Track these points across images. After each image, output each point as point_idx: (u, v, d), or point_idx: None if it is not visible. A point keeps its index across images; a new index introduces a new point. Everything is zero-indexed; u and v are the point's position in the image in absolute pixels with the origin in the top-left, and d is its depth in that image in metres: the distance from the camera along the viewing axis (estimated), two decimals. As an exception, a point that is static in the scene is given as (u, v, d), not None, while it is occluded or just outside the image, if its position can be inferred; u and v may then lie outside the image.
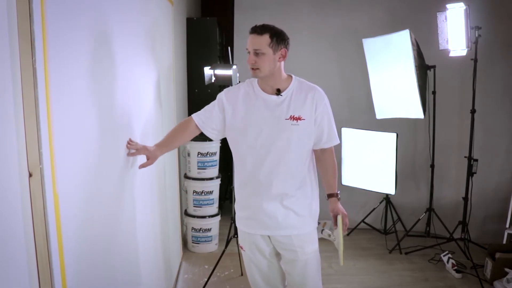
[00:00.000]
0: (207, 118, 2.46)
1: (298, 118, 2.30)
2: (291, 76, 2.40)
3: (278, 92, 2.33)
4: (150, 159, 2.39)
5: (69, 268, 1.44)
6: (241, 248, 2.55)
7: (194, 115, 2.51)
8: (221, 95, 2.46)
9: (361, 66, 4.72)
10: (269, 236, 2.45)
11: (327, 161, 2.46)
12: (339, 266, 4.08)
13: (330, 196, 2.46)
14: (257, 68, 2.26)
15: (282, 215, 2.38)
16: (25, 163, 1.23)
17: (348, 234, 4.92)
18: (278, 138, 2.32)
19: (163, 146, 2.47)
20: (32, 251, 1.27)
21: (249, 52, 2.27)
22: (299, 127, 2.31)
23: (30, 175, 1.25)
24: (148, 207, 2.69)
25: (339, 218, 2.38)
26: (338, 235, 2.37)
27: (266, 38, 2.23)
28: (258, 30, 2.25)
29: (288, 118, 2.31)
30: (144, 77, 2.66)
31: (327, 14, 4.95)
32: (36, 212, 1.27)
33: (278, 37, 2.27)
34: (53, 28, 1.36)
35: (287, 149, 2.33)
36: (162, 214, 3.15)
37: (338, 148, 4.83)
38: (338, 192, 2.46)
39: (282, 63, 2.35)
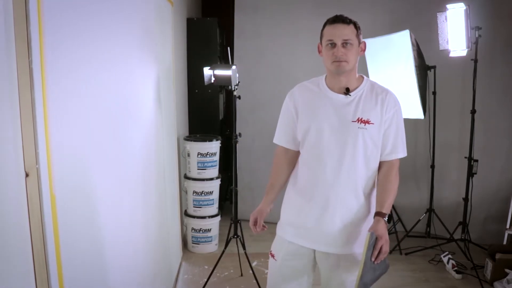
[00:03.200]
0: (288, 134, 2.25)
1: (367, 122, 2.06)
2: (363, 77, 2.18)
3: (347, 91, 2.10)
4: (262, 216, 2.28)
5: (66, 269, 1.44)
6: (272, 256, 2.27)
7: (276, 141, 2.31)
8: (287, 100, 2.27)
9: (361, 66, 4.70)
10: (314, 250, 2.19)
11: (388, 175, 2.15)
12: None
13: (377, 214, 2.06)
14: (345, 61, 2.04)
15: (338, 231, 2.10)
16: (21, 163, 1.23)
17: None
18: (343, 141, 2.08)
19: (273, 195, 2.33)
20: (29, 252, 1.27)
21: (332, 44, 2.06)
22: (367, 132, 2.07)
23: (27, 175, 1.25)
24: (147, 208, 2.68)
25: (368, 235, 1.97)
26: (362, 254, 1.98)
27: (352, 28, 2.06)
28: (346, 19, 2.08)
29: (355, 120, 2.07)
30: (143, 78, 2.66)
31: (327, 15, 4.91)
32: (33, 212, 1.27)
33: (359, 29, 2.10)
34: (50, 29, 1.36)
35: (353, 154, 2.08)
36: (161, 214, 3.15)
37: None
38: (387, 215, 2.07)
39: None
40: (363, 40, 2.13)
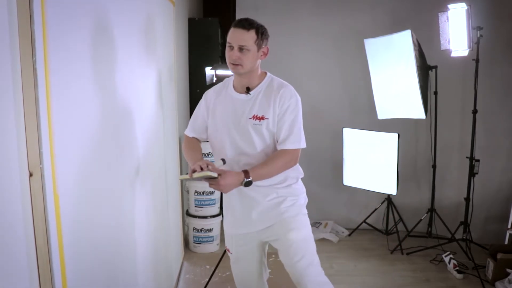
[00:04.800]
0: (200, 129, 2.47)
1: (261, 118, 2.24)
2: (266, 74, 2.35)
3: (247, 90, 2.28)
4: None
5: (69, 268, 1.45)
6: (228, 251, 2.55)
7: (188, 133, 2.54)
8: (202, 100, 2.46)
9: (363, 67, 4.72)
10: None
11: (274, 156, 2.26)
12: (340, 267, 4.09)
13: (243, 171, 2.18)
14: (240, 64, 2.19)
15: (257, 213, 2.34)
16: (25, 162, 1.24)
17: (349, 235, 4.92)
18: (241, 139, 2.27)
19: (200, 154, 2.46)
20: (33, 251, 1.27)
21: (231, 47, 2.19)
22: (261, 127, 2.25)
23: (31, 174, 1.26)
24: (149, 207, 2.69)
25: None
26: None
27: (252, 34, 2.17)
28: (246, 25, 2.17)
29: (251, 117, 2.25)
30: (145, 78, 2.67)
31: (328, 14, 4.95)
32: (37, 211, 1.28)
33: (263, 34, 2.22)
34: (54, 29, 1.36)
35: (253, 149, 2.27)
36: (163, 214, 3.16)
37: (339, 148, 4.86)
38: (248, 179, 2.16)
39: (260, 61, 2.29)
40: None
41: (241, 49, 2.16)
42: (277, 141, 2.29)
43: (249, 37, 2.16)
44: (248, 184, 2.16)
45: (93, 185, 1.73)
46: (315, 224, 5.01)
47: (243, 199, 2.35)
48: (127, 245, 2.23)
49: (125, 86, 2.20)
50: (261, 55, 2.25)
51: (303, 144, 2.31)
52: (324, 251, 4.36)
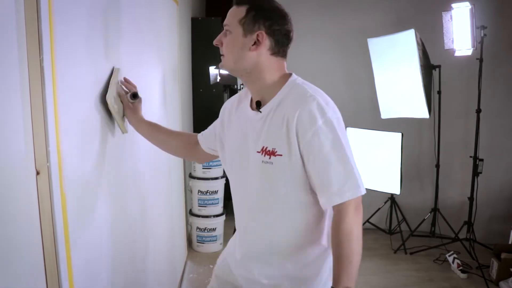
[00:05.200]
0: (209, 138, 1.84)
1: (272, 153, 1.47)
2: (289, 77, 1.55)
3: (258, 106, 1.53)
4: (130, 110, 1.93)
5: (76, 266, 1.44)
6: None
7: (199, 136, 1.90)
8: (221, 110, 1.82)
9: (366, 66, 4.71)
10: None
11: (336, 232, 1.45)
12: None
13: None
14: (222, 54, 1.52)
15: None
16: (32, 161, 1.24)
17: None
18: (245, 180, 1.59)
19: (147, 123, 1.96)
20: (39, 250, 1.27)
21: None
22: (273, 168, 1.48)
23: (38, 173, 1.25)
24: (153, 207, 2.69)
25: None
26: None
27: (241, 10, 1.47)
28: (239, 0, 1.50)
29: (259, 150, 1.50)
30: (149, 77, 2.67)
31: (332, 14, 4.95)
32: (44, 211, 1.27)
33: (258, 14, 1.46)
34: (61, 28, 1.36)
35: (261, 199, 1.56)
36: (167, 214, 3.16)
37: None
38: None
39: (267, 56, 1.49)
40: (272, 28, 1.47)
41: (225, 32, 1.51)
42: (319, 196, 1.49)
43: (235, 13, 1.48)
44: None
45: (99, 184, 1.73)
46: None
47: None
48: (133, 245, 2.23)
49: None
50: (252, 44, 1.46)
51: (362, 189, 1.45)
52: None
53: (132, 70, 2.26)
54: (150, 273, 2.55)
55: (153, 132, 1.97)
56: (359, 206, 1.46)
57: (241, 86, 3.37)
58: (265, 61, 1.50)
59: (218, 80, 3.29)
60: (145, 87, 2.58)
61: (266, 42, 1.48)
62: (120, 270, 2.00)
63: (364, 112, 4.96)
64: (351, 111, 4.99)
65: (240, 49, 1.47)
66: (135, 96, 1.93)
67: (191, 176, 4.27)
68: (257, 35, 1.46)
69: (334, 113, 1.50)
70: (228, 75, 3.30)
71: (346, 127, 4.66)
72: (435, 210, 4.64)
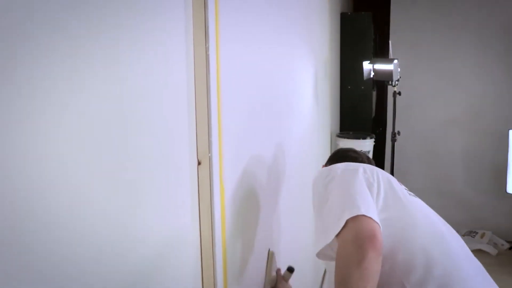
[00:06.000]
0: None
1: None
2: None
3: None
4: None
5: (229, 259, 1.44)
6: None
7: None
8: None
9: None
10: None
11: None
12: (501, 283, 3.67)
13: None
14: None
15: None
16: (194, 151, 1.23)
17: (510, 248, 4.45)
18: None
19: None
20: (197, 240, 1.27)
21: None
22: None
23: (199, 163, 1.25)
24: (296, 208, 2.64)
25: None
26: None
27: None
28: None
29: None
30: (303, 73, 2.62)
31: (495, 5, 4.52)
32: (203, 200, 1.27)
33: None
34: (224, 17, 1.35)
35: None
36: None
37: (503, 152, 4.38)
38: None
39: None
40: None
41: None
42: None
43: None
44: None
45: (252, 183, 1.72)
46: (470, 234, 4.63)
47: None
48: (276, 246, 2.20)
49: (285, 78, 2.18)
50: None
51: (355, 211, 1.18)
52: (481, 263, 3.99)
53: (288, 67, 2.24)
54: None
55: None
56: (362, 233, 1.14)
57: (396, 82, 3.19)
58: None
59: (371, 76, 3.14)
60: (299, 82, 2.53)
61: None
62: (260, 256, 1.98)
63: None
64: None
65: None
66: (290, 270, 1.93)
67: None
68: None
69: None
70: (383, 70, 3.14)
71: (508, 130, 4.26)
72: None
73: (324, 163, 1.80)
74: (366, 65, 3.18)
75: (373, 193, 1.31)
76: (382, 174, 1.40)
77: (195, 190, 1.25)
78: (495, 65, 4.58)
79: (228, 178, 1.41)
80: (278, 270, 1.96)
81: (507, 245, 4.50)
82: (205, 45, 1.22)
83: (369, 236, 1.11)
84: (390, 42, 3.42)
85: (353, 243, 1.12)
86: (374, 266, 1.09)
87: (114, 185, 0.87)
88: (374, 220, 1.16)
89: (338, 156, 1.80)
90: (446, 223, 1.43)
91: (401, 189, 1.40)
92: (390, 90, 3.61)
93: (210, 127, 1.24)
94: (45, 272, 0.70)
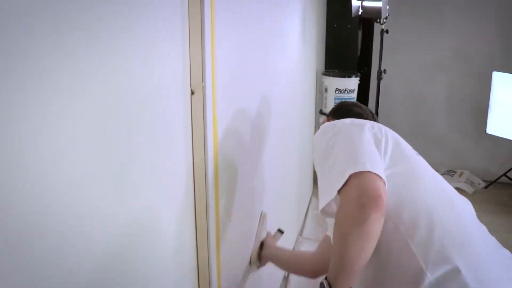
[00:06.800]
0: None
1: None
2: None
3: None
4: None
5: (221, 184, 1.47)
6: None
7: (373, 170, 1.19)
8: None
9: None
10: None
11: None
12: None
13: None
14: None
15: None
16: (188, 80, 1.24)
17: (486, 187, 4.61)
18: None
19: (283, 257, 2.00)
20: (190, 167, 1.30)
21: None
22: None
23: (193, 93, 1.26)
24: (286, 148, 2.68)
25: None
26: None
27: None
28: None
29: None
30: (292, 9, 2.59)
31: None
32: (196, 131, 1.29)
33: None
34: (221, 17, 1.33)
35: None
36: (299, 153, 3.15)
37: (486, 94, 4.44)
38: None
39: None
40: None
41: None
42: None
43: None
44: None
45: (244, 118, 1.74)
46: (449, 172, 4.76)
47: None
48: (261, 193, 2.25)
49: (275, 19, 2.16)
50: None
51: (360, 167, 1.16)
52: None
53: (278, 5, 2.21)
54: (279, 209, 2.58)
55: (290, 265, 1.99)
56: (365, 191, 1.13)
57: (384, 20, 3.16)
58: None
59: (359, 13, 3.11)
60: (288, 21, 2.51)
61: None
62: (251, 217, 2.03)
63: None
64: (499, 54, 4.55)
65: None
66: (281, 231, 2.09)
67: (322, 113, 4.15)
68: None
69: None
70: (372, 7, 3.11)
71: (491, 71, 4.29)
72: None
73: (325, 118, 1.77)
74: (355, 2, 3.14)
75: (381, 149, 1.29)
76: (389, 131, 1.38)
77: (188, 119, 1.26)
78: (479, 7, 4.55)
79: (222, 110, 1.42)
80: (269, 233, 2.05)
81: (483, 184, 4.65)
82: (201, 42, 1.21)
83: (374, 195, 1.10)
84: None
85: (356, 201, 1.11)
86: (375, 227, 1.10)
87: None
88: (380, 177, 1.14)
89: (342, 111, 1.73)
90: (450, 186, 1.41)
91: (408, 147, 1.39)
92: (377, 29, 3.58)
93: (204, 58, 1.25)
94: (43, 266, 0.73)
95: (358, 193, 1.12)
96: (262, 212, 2.05)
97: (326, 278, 1.17)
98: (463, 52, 4.62)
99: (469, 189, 4.49)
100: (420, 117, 4.90)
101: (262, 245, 2.00)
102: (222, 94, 1.43)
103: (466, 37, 4.62)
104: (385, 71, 3.39)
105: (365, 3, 3.12)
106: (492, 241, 1.31)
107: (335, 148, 1.26)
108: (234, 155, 1.65)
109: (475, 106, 4.71)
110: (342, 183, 1.14)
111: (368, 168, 1.14)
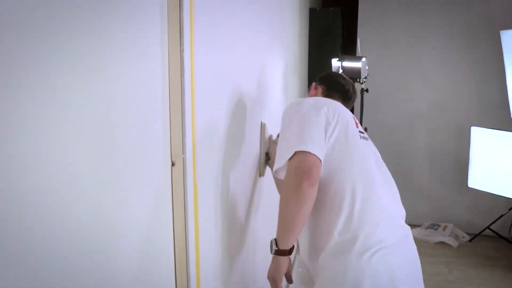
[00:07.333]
0: None
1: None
2: None
3: None
4: None
5: (202, 253, 1.46)
6: None
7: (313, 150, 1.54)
8: None
9: (497, 60, 4.36)
10: None
11: None
12: (460, 274, 3.82)
13: None
14: None
15: None
16: (169, 152, 1.25)
17: (470, 240, 4.61)
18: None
19: None
20: (170, 236, 1.29)
21: None
22: None
23: (173, 164, 1.27)
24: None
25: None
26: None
27: None
28: None
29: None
30: (274, 65, 2.65)
31: (459, 4, 4.63)
32: (177, 200, 1.29)
33: None
34: (199, 29, 1.36)
35: None
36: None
37: (465, 148, 4.53)
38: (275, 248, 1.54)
39: None
40: None
41: None
42: None
43: None
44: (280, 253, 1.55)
45: (227, 179, 1.74)
46: (433, 226, 4.76)
47: None
48: (263, 239, 2.23)
49: (257, 74, 2.20)
50: None
51: (303, 146, 1.52)
52: (443, 255, 4.13)
53: (259, 57, 2.26)
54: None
55: None
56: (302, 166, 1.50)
57: (364, 80, 3.25)
58: None
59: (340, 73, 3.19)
60: (271, 74, 2.56)
61: None
62: (247, 270, 2.00)
63: (491, 110, 4.61)
64: (477, 109, 4.68)
65: None
66: None
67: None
68: None
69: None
70: (352, 67, 3.19)
71: (470, 126, 4.39)
72: None
73: (314, 82, 2.15)
74: (335, 62, 3.23)
75: (328, 131, 1.59)
76: (343, 116, 1.66)
77: (169, 190, 1.26)
78: (458, 63, 4.70)
79: (202, 177, 1.42)
80: (270, 136, 2.32)
81: (467, 237, 4.65)
82: (180, 47, 1.24)
83: (307, 171, 1.48)
84: (358, 40, 3.48)
85: (294, 172, 1.50)
86: (308, 192, 1.47)
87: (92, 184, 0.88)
88: (317, 157, 1.51)
89: (329, 80, 2.13)
90: (384, 166, 1.75)
91: (354, 133, 1.67)
92: (358, 87, 3.66)
93: (184, 129, 1.26)
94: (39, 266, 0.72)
95: (296, 165, 1.50)
96: (261, 122, 2.21)
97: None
98: (441, 106, 4.73)
99: (454, 243, 4.48)
100: (402, 170, 4.94)
101: (267, 154, 2.24)
102: (203, 163, 1.43)
103: (444, 92, 4.75)
104: (366, 129, 3.44)
105: (345, 64, 3.20)
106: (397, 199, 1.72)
107: (292, 125, 1.61)
108: (217, 228, 1.65)
109: (455, 160, 4.79)
110: (290, 156, 1.52)
111: (309, 149, 1.50)
